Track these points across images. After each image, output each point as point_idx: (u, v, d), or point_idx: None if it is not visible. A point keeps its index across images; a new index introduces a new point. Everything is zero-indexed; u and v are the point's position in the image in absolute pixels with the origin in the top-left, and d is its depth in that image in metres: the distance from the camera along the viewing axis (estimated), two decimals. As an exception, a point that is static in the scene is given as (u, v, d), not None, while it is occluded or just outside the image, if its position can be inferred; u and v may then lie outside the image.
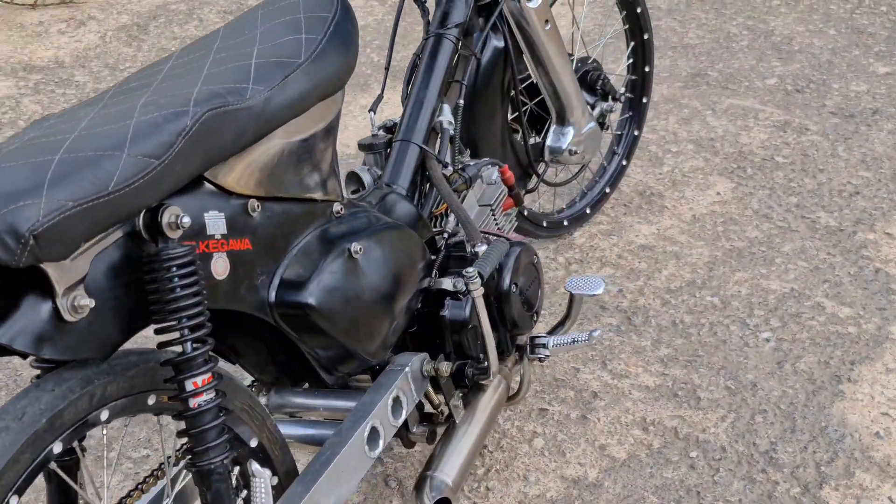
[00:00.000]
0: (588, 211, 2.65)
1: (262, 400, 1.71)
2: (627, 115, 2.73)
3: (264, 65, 1.38)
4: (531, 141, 2.36)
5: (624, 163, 2.72)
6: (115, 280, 1.19)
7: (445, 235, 1.86)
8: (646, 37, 2.63)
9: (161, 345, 1.25)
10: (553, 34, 2.20)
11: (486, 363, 1.72)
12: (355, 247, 1.55)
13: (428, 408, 1.77)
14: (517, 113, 2.34)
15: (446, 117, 1.93)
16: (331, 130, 1.56)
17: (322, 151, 1.54)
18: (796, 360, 2.16)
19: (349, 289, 1.53)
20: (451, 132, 1.94)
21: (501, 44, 2.15)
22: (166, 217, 1.21)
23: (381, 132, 1.95)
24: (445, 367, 1.67)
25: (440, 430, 1.76)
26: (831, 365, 2.14)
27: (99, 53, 4.03)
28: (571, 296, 1.91)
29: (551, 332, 1.94)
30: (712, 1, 3.97)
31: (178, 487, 1.42)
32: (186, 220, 1.22)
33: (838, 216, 2.63)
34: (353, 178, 1.91)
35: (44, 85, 3.79)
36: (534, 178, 2.35)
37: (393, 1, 4.25)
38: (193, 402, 1.25)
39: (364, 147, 1.92)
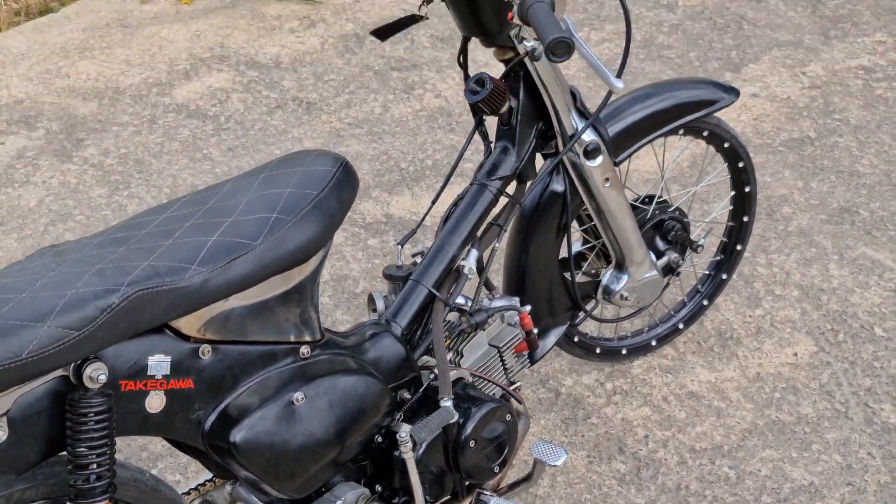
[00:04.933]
0: (654, 343, 2.70)
1: (228, 488, 1.96)
2: (719, 258, 2.73)
3: (219, 244, 1.58)
4: (597, 274, 2.46)
5: (705, 303, 2.73)
6: (38, 414, 1.47)
7: (432, 375, 2.02)
8: (747, 189, 2.62)
9: (70, 470, 1.52)
10: (613, 190, 2.27)
11: (423, 509, 1.89)
12: (298, 395, 1.74)
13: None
14: (583, 247, 2.45)
15: (469, 263, 2.07)
16: (302, 287, 1.74)
17: (289, 305, 1.73)
18: (775, 562, 2.16)
19: (279, 435, 1.72)
20: (470, 277, 2.08)
21: (561, 188, 2.25)
22: (87, 371, 1.47)
23: (405, 265, 2.12)
24: (376, 509, 1.86)
25: (374, 554, 1.94)
26: (806, 579, 2.13)
27: (313, 60, 4.38)
28: (535, 460, 2.02)
29: (513, 486, 2.07)
30: (914, 120, 3.77)
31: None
32: (103, 377, 1.47)
33: (903, 414, 2.54)
34: (372, 299, 2.10)
35: (255, 84, 4.19)
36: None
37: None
38: (87, 526, 1.51)
39: (386, 276, 2.11)
